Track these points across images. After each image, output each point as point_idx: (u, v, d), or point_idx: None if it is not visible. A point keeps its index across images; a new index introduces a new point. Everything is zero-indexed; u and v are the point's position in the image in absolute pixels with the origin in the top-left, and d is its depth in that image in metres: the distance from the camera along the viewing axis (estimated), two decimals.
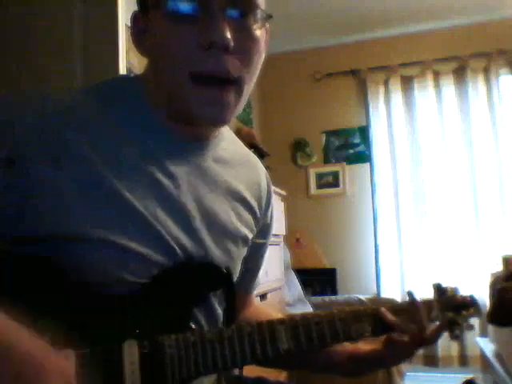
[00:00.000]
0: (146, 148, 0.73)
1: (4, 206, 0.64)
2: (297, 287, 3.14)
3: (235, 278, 0.84)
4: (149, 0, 0.72)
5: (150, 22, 0.72)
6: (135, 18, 0.76)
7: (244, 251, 0.86)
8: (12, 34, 1.83)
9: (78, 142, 0.67)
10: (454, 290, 0.90)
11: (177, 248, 0.72)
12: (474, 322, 0.89)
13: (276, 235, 2.75)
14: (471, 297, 0.90)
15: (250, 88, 0.75)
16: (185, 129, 0.76)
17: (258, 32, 0.72)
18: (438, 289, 0.89)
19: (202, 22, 0.68)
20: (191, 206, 0.75)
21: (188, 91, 0.70)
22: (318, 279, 3.49)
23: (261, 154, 3.23)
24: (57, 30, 1.79)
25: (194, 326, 0.71)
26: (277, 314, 0.99)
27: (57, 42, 1.79)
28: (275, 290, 2.50)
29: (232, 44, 0.68)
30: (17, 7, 1.83)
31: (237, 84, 0.71)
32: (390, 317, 0.82)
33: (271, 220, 0.97)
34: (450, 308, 0.87)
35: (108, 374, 0.61)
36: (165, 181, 0.73)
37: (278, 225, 2.83)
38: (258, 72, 0.76)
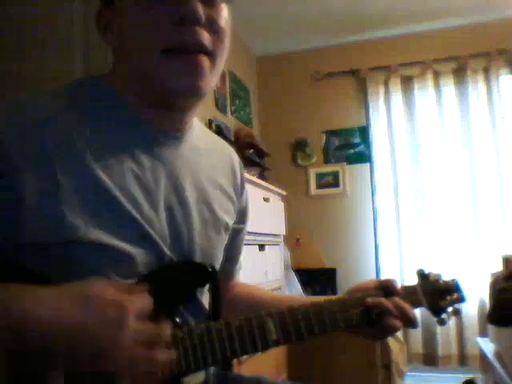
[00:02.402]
0: (125, 144, 0.74)
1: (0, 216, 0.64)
2: (297, 287, 3.14)
3: (218, 264, 0.86)
4: None
5: (116, 10, 0.74)
6: (99, 13, 0.78)
7: (226, 238, 0.89)
8: (12, 34, 1.83)
9: (61, 150, 0.67)
10: (437, 276, 0.91)
11: (162, 244, 0.73)
12: (460, 306, 0.90)
13: (276, 235, 2.75)
14: (454, 281, 0.91)
15: (221, 64, 0.77)
16: (162, 119, 0.77)
17: (225, 7, 0.75)
18: (421, 274, 0.90)
19: None
20: (173, 198, 0.77)
21: (162, 66, 0.71)
22: (317, 279, 3.49)
23: (261, 154, 3.23)
24: (57, 29, 1.80)
25: (179, 320, 0.71)
26: (259, 289, 1.02)
27: (57, 42, 1.79)
28: (275, 290, 2.50)
29: (203, 17, 0.70)
30: (17, 7, 1.83)
31: (210, 55, 0.73)
32: (376, 304, 0.82)
33: (246, 204, 0.99)
34: (433, 292, 0.89)
35: (96, 374, 0.61)
36: (147, 176, 0.74)
37: (278, 225, 2.83)
38: (227, 49, 0.77)
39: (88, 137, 0.71)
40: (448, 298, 0.89)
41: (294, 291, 3.06)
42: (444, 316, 0.89)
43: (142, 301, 0.61)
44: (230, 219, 0.89)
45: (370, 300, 0.82)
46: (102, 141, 0.72)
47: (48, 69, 1.73)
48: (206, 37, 0.71)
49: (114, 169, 0.71)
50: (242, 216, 0.97)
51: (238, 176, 0.95)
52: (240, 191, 0.95)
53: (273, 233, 2.67)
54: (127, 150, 0.74)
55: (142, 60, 0.72)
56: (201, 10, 0.70)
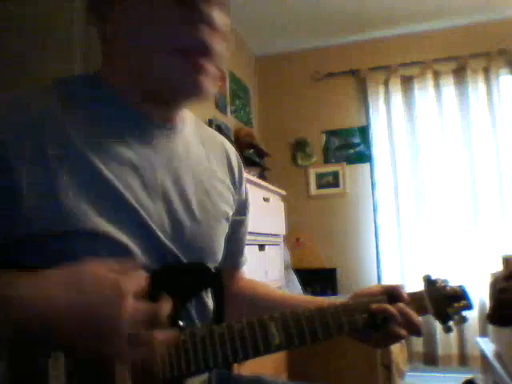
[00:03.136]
0: (121, 136, 0.75)
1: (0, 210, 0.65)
2: (297, 287, 3.14)
3: (220, 255, 0.86)
4: None
5: (117, 9, 0.73)
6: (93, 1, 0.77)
7: (226, 228, 0.88)
8: (12, 33, 1.83)
9: (58, 144, 0.68)
10: (444, 282, 0.89)
11: (160, 234, 0.73)
12: (467, 314, 0.88)
13: (276, 235, 2.75)
14: (461, 288, 0.89)
15: (223, 68, 0.78)
16: (158, 112, 0.78)
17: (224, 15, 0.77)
18: (428, 281, 0.89)
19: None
20: (171, 189, 0.77)
21: (171, 65, 0.71)
22: (317, 279, 3.49)
23: (261, 154, 3.23)
24: (57, 29, 1.80)
25: (182, 323, 0.71)
26: (264, 286, 1.01)
27: (57, 42, 1.79)
28: None
29: (218, 22, 0.73)
30: (17, 7, 1.83)
31: (216, 60, 0.74)
32: (380, 310, 0.81)
33: (246, 196, 0.99)
34: (440, 299, 0.87)
35: (97, 373, 0.60)
36: (143, 166, 0.75)
37: (278, 225, 2.83)
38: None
39: (85, 130, 0.71)
40: (455, 304, 0.87)
41: (294, 291, 3.06)
42: (450, 323, 0.87)
43: (137, 279, 0.60)
44: (229, 209, 0.89)
45: (374, 306, 0.80)
46: (98, 133, 0.73)
47: (48, 69, 1.73)
48: (216, 41, 0.73)
49: (111, 158, 0.71)
50: (242, 208, 0.97)
51: (236, 168, 0.95)
52: (239, 182, 0.95)
53: (273, 233, 2.67)
54: (124, 141, 0.74)
55: (150, 57, 0.72)
56: (217, 15, 0.72)
